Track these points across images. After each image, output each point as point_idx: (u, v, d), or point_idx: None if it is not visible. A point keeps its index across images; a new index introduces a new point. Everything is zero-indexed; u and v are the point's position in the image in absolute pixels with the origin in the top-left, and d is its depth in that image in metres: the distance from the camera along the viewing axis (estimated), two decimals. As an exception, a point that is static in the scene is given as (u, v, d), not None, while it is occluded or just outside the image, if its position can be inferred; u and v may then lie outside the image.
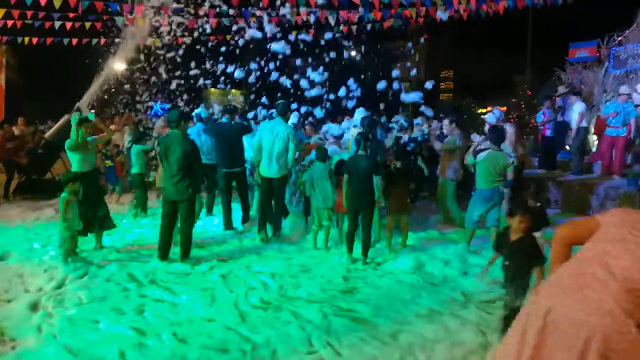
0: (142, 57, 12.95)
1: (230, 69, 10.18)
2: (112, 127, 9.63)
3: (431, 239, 6.85)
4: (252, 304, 4.52)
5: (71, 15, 11.14)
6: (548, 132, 10.41)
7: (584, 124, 9.48)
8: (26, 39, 12.28)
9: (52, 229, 7.22)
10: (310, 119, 9.97)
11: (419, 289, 4.96)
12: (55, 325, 4.00)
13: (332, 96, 9.65)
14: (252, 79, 10.12)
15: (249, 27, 10.91)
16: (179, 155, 5.67)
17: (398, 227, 6.47)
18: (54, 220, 7.82)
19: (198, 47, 12.02)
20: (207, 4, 11.10)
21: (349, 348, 3.64)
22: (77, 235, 5.79)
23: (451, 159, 7.63)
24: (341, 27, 11.99)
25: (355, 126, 7.73)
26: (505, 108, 18.55)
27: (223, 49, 11.35)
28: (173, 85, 12.36)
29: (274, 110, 7.70)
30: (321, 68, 9.64)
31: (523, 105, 22.46)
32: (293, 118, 8.72)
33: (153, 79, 13.72)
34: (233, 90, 25.00)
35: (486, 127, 8.10)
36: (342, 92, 9.51)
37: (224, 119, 7.57)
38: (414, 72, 31.16)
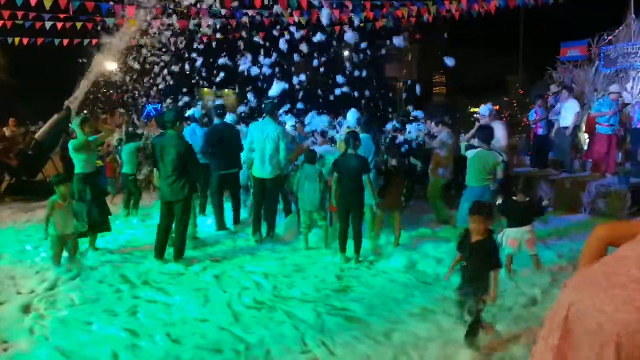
0: (133, 57, 12.89)
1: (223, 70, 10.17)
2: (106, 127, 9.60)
3: (423, 237, 6.87)
4: (246, 304, 4.52)
5: (62, 16, 11.08)
6: (540, 131, 10.47)
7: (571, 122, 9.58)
8: (16, 40, 12.19)
9: (44, 231, 7.19)
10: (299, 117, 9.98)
11: (412, 288, 4.98)
12: (47, 327, 3.99)
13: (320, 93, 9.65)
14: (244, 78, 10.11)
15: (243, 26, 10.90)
16: (174, 156, 5.67)
17: (391, 226, 6.49)
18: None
19: (191, 46, 11.98)
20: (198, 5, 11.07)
21: (343, 347, 3.65)
22: (77, 238, 5.76)
23: (441, 157, 7.67)
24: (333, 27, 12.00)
25: (348, 127, 7.74)
26: (497, 107, 18.65)
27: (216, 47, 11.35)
28: (163, 85, 12.31)
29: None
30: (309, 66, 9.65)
31: (515, 104, 22.61)
32: (290, 122, 8.70)
33: (146, 78, 13.66)
34: (226, 90, 24.97)
35: (477, 124, 8.13)
36: (331, 90, 9.52)
37: (216, 121, 7.57)
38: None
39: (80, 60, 12.30)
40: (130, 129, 10.79)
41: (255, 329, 3.97)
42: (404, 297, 4.71)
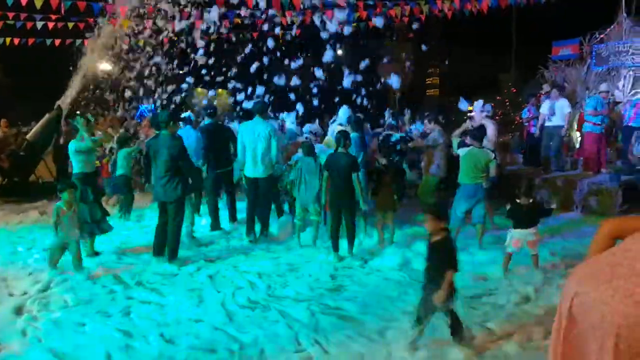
0: (126, 56, 12.85)
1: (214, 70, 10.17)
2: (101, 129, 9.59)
3: (417, 235, 6.88)
4: (240, 304, 4.51)
5: (54, 17, 11.03)
6: (533, 129, 10.52)
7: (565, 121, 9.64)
8: (7, 40, 12.13)
9: (36, 232, 7.15)
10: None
11: (406, 286, 4.98)
12: (40, 329, 3.96)
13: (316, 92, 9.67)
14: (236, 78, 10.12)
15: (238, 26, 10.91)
16: (166, 157, 5.65)
17: (385, 224, 6.50)
18: (38, 223, 7.75)
19: (184, 47, 11.97)
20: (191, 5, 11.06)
21: (337, 346, 3.66)
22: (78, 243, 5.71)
23: (434, 155, 7.70)
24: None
25: (340, 124, 7.75)
26: (493, 105, 18.74)
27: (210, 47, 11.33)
28: (155, 85, 12.29)
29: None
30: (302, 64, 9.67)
31: (508, 103, 22.72)
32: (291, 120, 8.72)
33: (138, 79, 13.61)
34: (219, 90, 24.90)
35: (468, 121, 8.16)
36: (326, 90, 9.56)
37: (207, 121, 7.58)
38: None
39: (73, 60, 12.26)
40: (122, 130, 10.75)
41: (249, 328, 3.97)
42: (397, 295, 4.73)
